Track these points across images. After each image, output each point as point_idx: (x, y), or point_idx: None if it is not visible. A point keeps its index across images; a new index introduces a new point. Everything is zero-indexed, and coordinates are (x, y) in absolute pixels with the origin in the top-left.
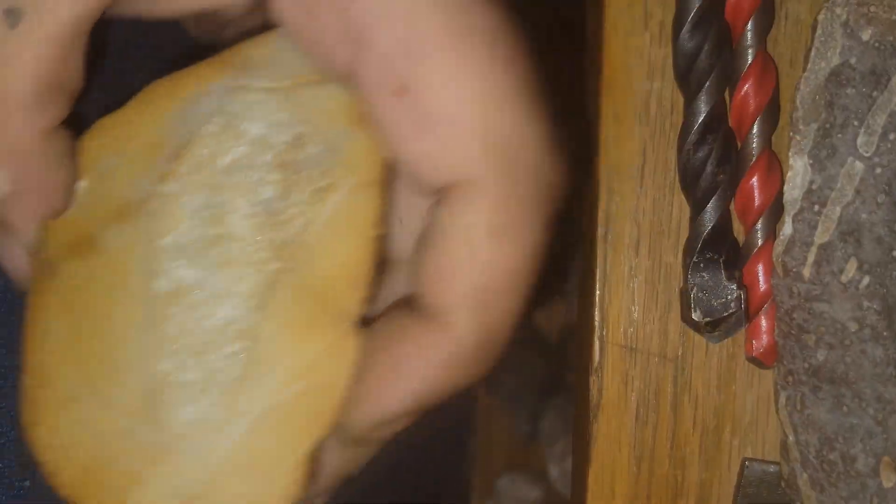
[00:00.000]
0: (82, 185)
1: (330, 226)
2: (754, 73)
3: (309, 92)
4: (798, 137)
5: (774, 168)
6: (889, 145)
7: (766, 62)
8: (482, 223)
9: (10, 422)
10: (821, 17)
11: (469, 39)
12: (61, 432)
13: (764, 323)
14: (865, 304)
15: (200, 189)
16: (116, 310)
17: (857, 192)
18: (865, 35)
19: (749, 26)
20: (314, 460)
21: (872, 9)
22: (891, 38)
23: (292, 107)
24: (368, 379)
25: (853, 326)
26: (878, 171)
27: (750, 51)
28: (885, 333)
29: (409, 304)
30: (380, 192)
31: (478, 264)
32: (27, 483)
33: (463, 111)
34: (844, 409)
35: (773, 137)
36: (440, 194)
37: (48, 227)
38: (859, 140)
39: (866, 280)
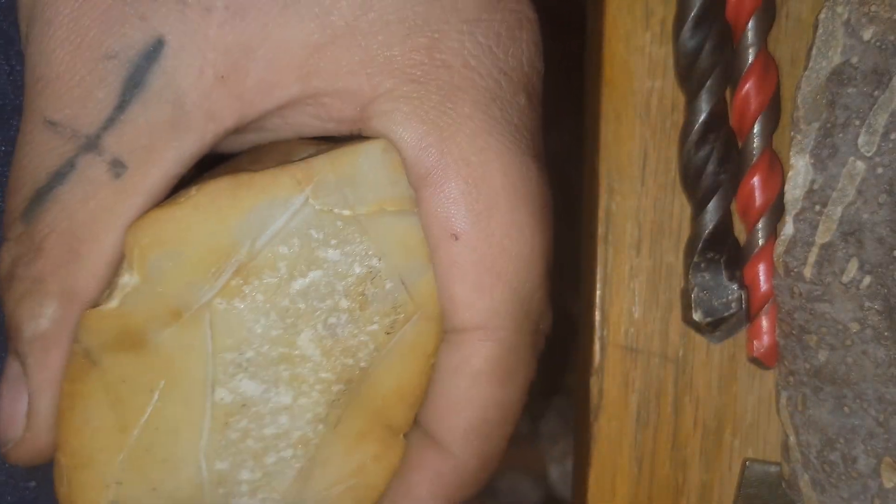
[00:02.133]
0: (131, 280)
1: (394, 354)
2: (755, 73)
3: (389, 221)
4: (799, 137)
5: (776, 168)
6: (890, 145)
7: (768, 61)
8: (490, 370)
9: None
10: (822, 16)
11: (524, 203)
12: None
13: (765, 323)
14: (867, 304)
15: (269, 310)
16: (172, 409)
17: (859, 191)
18: (867, 34)
19: (750, 25)
20: None
21: (874, 8)
22: (892, 38)
23: (371, 237)
24: (384, 501)
25: (854, 327)
26: (880, 170)
27: (751, 50)
28: (886, 334)
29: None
30: (440, 325)
31: (482, 404)
32: (32, 484)
33: (502, 266)
34: (846, 409)
35: (774, 137)
36: (454, 334)
37: (88, 316)
38: (861, 140)
39: (867, 280)
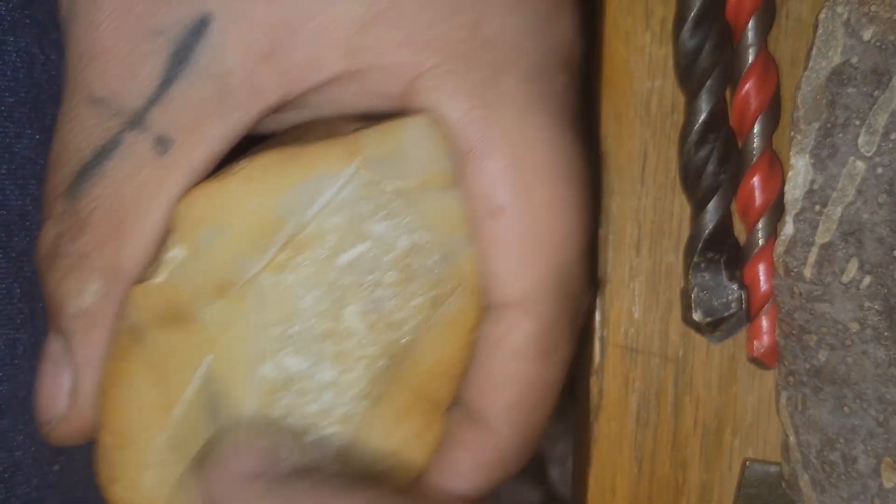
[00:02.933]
0: (178, 254)
1: (436, 328)
2: (755, 73)
3: (434, 196)
4: (799, 137)
5: (776, 168)
6: (890, 145)
7: (768, 61)
8: (530, 345)
9: None
10: (822, 16)
11: (565, 179)
12: (142, 492)
13: (765, 323)
14: (867, 304)
15: (316, 284)
16: (216, 386)
17: (859, 191)
18: (867, 34)
19: (750, 25)
20: None
21: (874, 8)
22: (892, 38)
23: (417, 211)
24: (423, 481)
25: (854, 327)
26: (880, 170)
27: (751, 50)
28: (886, 334)
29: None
30: (481, 299)
31: (522, 380)
32: (56, 468)
33: (543, 242)
34: (846, 409)
35: (774, 137)
36: (495, 309)
37: (135, 291)
38: (861, 140)
39: (867, 280)
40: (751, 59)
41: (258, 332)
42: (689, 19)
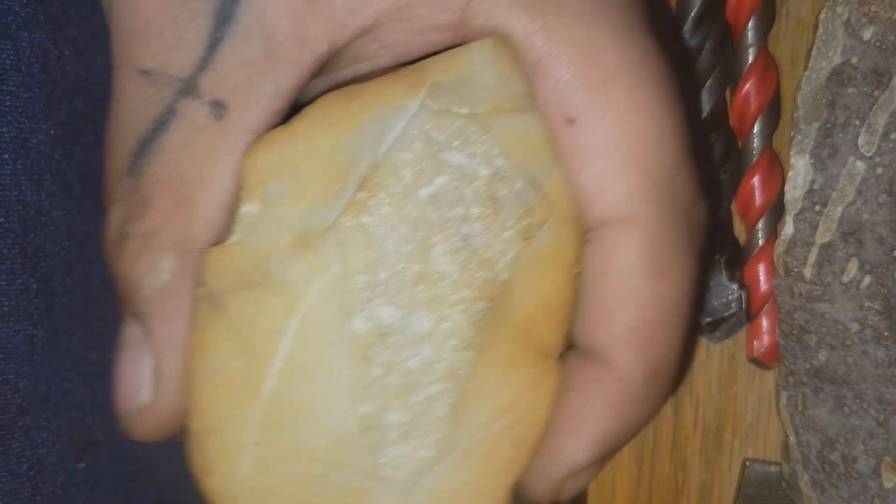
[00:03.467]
0: (251, 209)
1: (532, 264)
2: (755, 73)
3: (508, 119)
4: (799, 137)
5: (775, 167)
6: (890, 145)
7: (768, 61)
8: (640, 261)
9: (66, 404)
10: (822, 16)
11: (642, 77)
12: (239, 481)
13: (765, 323)
14: (867, 304)
15: (399, 223)
16: (307, 350)
17: (859, 191)
18: (867, 34)
19: (750, 25)
20: (515, 493)
21: (874, 8)
22: (892, 38)
23: (493, 136)
24: (546, 435)
25: (854, 327)
26: (880, 170)
27: (751, 50)
28: (886, 334)
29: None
30: (579, 229)
31: (637, 302)
32: (82, 465)
33: (629, 145)
34: (846, 409)
35: (774, 137)
36: (594, 233)
37: (211, 255)
38: (861, 140)
39: (867, 280)
40: (751, 58)
41: (343, 283)
42: (689, 19)
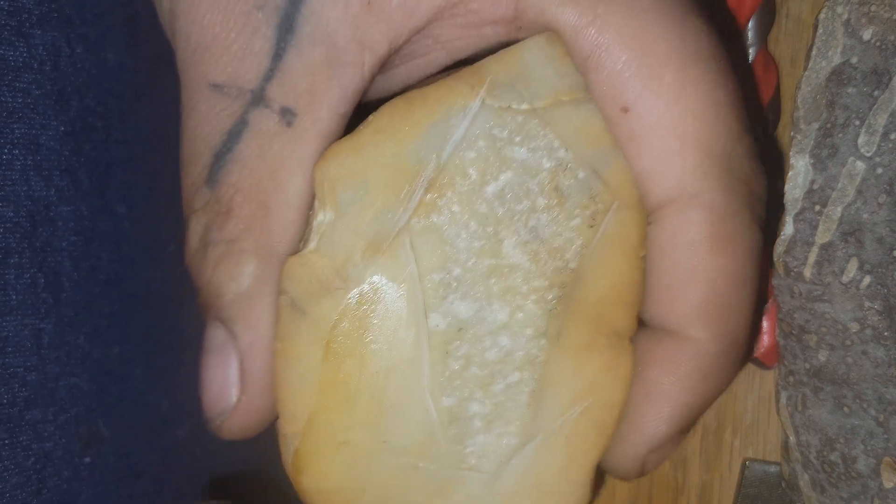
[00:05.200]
0: (326, 217)
1: (600, 250)
2: (755, 73)
3: (567, 112)
4: (799, 137)
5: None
6: (890, 145)
7: (768, 61)
8: (705, 236)
9: (73, 398)
10: (822, 16)
11: (693, 58)
12: (331, 477)
13: (765, 323)
14: (867, 304)
15: (468, 220)
16: (386, 349)
17: (859, 191)
18: (867, 34)
19: (750, 25)
20: (598, 475)
21: (874, 8)
22: (892, 38)
23: (553, 129)
24: (626, 413)
25: (854, 327)
26: (880, 170)
27: (751, 50)
28: (886, 334)
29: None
30: (642, 213)
31: (706, 276)
32: (87, 460)
33: (685, 127)
34: (845, 409)
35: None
36: (658, 212)
37: (291, 264)
38: (860, 140)
39: (867, 280)
40: (751, 59)
41: (419, 282)
42: None
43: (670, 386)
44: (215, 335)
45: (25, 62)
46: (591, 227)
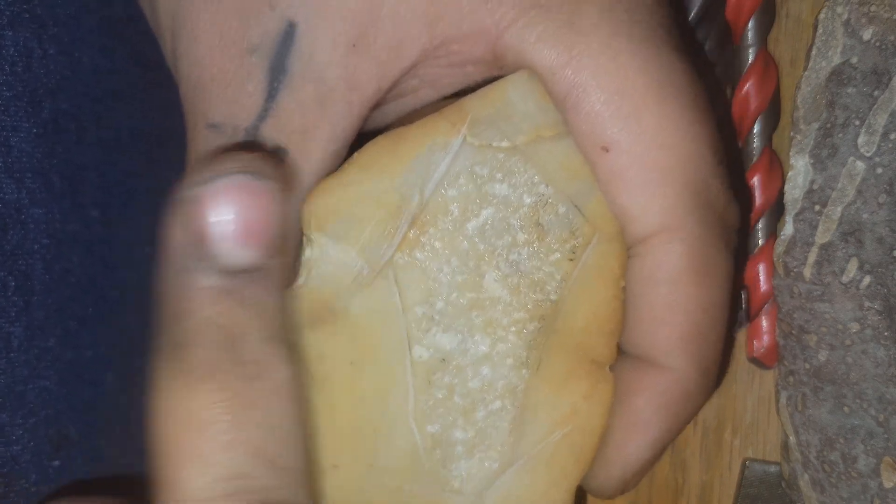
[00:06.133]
0: (313, 253)
1: (581, 281)
2: (755, 73)
3: (548, 147)
4: (799, 137)
5: (775, 167)
6: (890, 145)
7: (768, 61)
8: (685, 270)
9: (42, 401)
10: (822, 16)
11: (671, 96)
12: (323, 500)
13: (765, 323)
14: (867, 304)
15: (450, 256)
16: (374, 378)
17: (859, 191)
18: (866, 34)
19: (750, 25)
20: (579, 495)
21: (873, 8)
22: (892, 38)
23: (534, 165)
24: (609, 439)
25: (854, 327)
26: (880, 170)
27: (751, 50)
28: (886, 334)
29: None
30: (622, 244)
31: (686, 308)
32: (56, 463)
33: (664, 163)
34: (845, 409)
35: (774, 137)
36: (638, 246)
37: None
38: (860, 140)
39: (867, 280)
40: (751, 59)
41: (403, 315)
42: (690, 19)
43: (653, 413)
44: None
45: None
46: (572, 260)
